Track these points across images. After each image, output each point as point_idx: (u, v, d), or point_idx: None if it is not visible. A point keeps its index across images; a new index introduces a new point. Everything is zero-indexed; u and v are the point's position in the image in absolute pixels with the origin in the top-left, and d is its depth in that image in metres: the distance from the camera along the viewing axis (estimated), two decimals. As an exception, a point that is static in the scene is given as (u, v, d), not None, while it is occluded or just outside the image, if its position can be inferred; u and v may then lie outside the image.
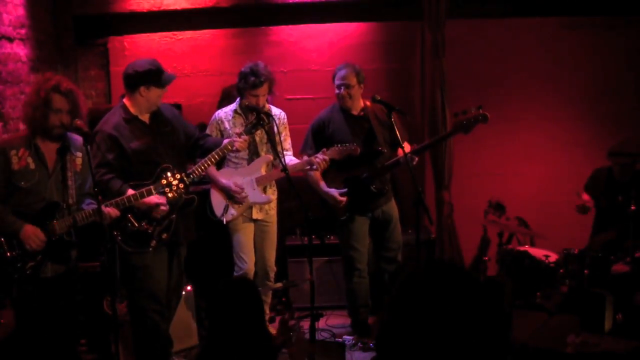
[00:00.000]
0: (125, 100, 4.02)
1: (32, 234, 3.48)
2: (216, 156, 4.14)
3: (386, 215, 4.90)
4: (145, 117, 4.04)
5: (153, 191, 3.75)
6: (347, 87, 4.69)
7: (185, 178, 3.76)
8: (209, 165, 4.15)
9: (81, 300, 3.94)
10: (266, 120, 4.26)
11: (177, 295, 4.33)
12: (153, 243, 3.98)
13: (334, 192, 4.78)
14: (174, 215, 4.04)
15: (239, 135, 4.21)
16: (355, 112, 4.79)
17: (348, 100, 4.73)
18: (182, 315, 4.66)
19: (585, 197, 5.15)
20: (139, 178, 3.91)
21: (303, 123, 6.02)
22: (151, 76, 3.93)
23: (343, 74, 4.70)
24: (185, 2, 5.79)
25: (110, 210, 3.65)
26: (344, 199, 4.75)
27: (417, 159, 4.69)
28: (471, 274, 1.50)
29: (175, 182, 3.71)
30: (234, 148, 4.17)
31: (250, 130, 4.29)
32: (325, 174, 4.82)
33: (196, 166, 4.11)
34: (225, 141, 4.20)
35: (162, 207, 3.90)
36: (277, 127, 4.50)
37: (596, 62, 6.11)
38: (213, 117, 4.72)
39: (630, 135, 5.32)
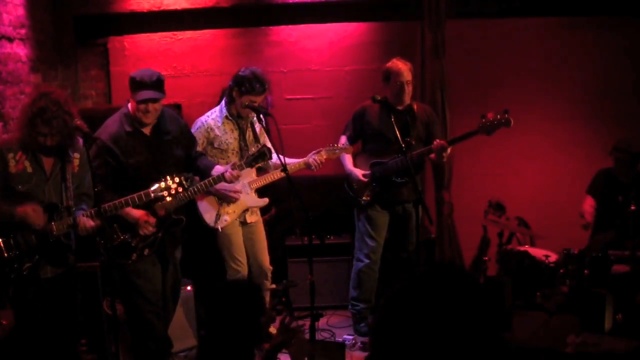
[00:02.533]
0: (130, 105, 3.96)
1: (30, 209, 3.42)
2: (204, 186, 4.09)
3: (407, 213, 4.91)
4: (146, 130, 3.98)
5: (151, 195, 3.65)
6: (408, 84, 4.73)
7: (184, 182, 3.64)
8: (196, 192, 4.10)
9: (81, 301, 3.93)
10: (268, 155, 4.20)
11: (173, 297, 4.32)
12: (134, 257, 3.94)
13: (357, 171, 4.86)
14: (160, 234, 4.00)
15: (237, 166, 4.14)
16: (401, 107, 4.79)
17: (407, 95, 4.75)
18: (182, 316, 4.66)
19: (587, 209, 5.13)
20: (136, 192, 3.83)
21: (303, 123, 6.04)
22: (133, 84, 3.87)
23: (406, 72, 4.71)
24: (185, 2, 5.79)
25: (85, 221, 3.55)
26: (365, 179, 4.83)
27: (449, 149, 4.74)
28: (471, 274, 1.48)
29: (174, 186, 3.61)
30: (226, 180, 4.13)
31: (251, 163, 4.21)
32: (355, 156, 5.00)
33: (186, 191, 3.99)
34: (219, 170, 4.14)
35: (150, 228, 3.86)
36: (269, 126, 4.46)
37: (596, 62, 6.10)
38: (200, 123, 4.54)
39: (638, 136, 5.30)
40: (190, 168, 4.24)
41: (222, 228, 4.56)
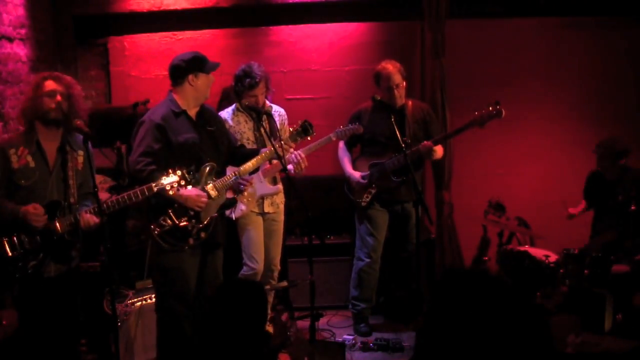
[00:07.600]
0: (174, 94, 3.99)
1: (32, 209, 3.43)
2: (251, 165, 4.11)
3: (406, 212, 4.92)
4: (192, 113, 4.01)
5: (154, 189, 3.58)
6: (398, 87, 4.77)
7: (186, 175, 3.63)
8: (249, 171, 4.12)
9: (81, 300, 3.93)
10: (311, 131, 4.25)
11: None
12: (191, 241, 3.90)
13: (356, 174, 4.90)
14: (215, 214, 4.00)
15: (286, 143, 4.18)
16: (396, 107, 4.82)
17: (398, 98, 4.80)
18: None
19: (571, 210, 5.18)
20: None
21: (303, 123, 6.02)
22: (197, 63, 3.94)
23: (395, 75, 4.75)
24: (185, 2, 5.80)
25: (89, 218, 3.53)
26: (364, 181, 4.86)
27: (441, 148, 4.82)
28: (500, 279, 1.51)
29: (176, 179, 3.59)
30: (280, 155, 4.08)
31: (295, 138, 4.22)
32: (355, 160, 5.03)
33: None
34: (264, 150, 4.16)
35: (203, 199, 3.84)
36: (278, 124, 4.59)
37: (596, 62, 6.10)
38: None
39: (622, 135, 5.30)
40: (234, 160, 4.23)
41: (237, 218, 4.59)
